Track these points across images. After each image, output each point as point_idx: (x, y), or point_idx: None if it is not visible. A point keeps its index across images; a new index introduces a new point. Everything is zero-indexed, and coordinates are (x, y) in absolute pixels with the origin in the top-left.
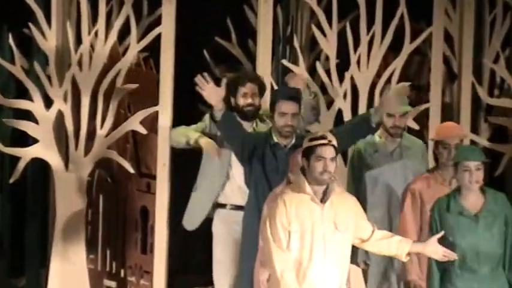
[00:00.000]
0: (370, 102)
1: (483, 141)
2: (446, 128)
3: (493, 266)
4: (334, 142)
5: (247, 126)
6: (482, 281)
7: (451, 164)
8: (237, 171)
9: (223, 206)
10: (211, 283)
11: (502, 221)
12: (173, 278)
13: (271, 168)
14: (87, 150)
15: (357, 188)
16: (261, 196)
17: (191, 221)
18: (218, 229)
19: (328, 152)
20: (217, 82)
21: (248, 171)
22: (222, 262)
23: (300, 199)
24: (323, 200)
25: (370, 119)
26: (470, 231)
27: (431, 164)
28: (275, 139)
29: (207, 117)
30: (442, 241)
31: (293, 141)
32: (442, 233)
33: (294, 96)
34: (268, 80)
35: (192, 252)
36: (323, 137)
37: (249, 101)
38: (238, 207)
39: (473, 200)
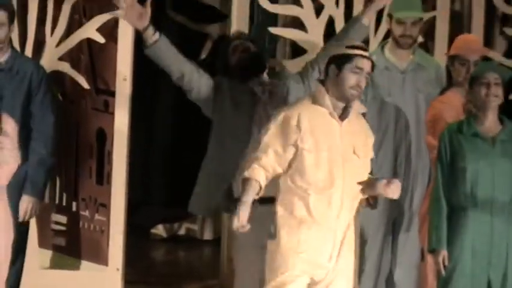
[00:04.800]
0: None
1: (498, 56)
2: (465, 41)
3: (510, 199)
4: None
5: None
6: (497, 213)
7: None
8: None
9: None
10: (176, 218)
11: None
12: (133, 213)
13: None
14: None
15: None
16: None
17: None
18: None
19: (367, 65)
20: None
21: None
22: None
23: (317, 112)
24: (342, 117)
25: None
26: (485, 154)
27: None
28: None
29: None
30: (453, 167)
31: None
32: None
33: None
34: None
35: (155, 183)
36: (364, 48)
37: None
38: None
39: (490, 124)
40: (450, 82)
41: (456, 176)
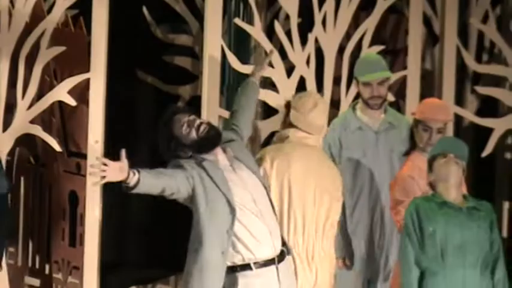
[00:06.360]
0: (337, 69)
1: (469, 115)
2: (432, 107)
3: (480, 264)
4: None
5: None
6: (468, 275)
7: (428, 151)
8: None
9: (245, 267)
10: (151, 280)
11: (487, 224)
12: (107, 275)
13: None
14: (6, 124)
15: None
16: None
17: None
18: None
19: None
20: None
21: None
22: None
23: None
24: None
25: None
26: (454, 218)
27: None
28: None
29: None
30: (421, 233)
31: None
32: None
33: None
34: (218, 42)
35: (129, 245)
36: None
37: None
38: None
39: (455, 196)
40: (413, 144)
41: (425, 242)
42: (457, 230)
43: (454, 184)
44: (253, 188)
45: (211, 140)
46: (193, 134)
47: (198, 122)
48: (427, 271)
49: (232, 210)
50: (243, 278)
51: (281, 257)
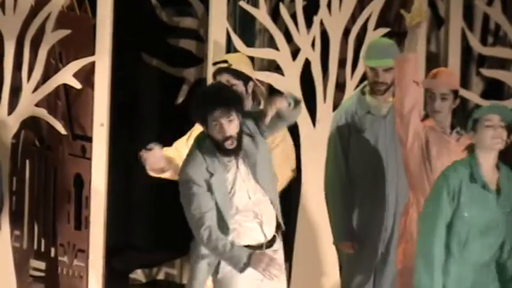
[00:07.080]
0: (342, 52)
1: (475, 97)
2: (435, 74)
3: (493, 255)
4: None
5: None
6: (482, 269)
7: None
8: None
9: None
10: (156, 263)
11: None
12: (112, 258)
13: None
14: (11, 107)
15: (345, 156)
16: None
17: None
18: None
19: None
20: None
21: None
22: None
23: None
24: None
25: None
26: (488, 210)
27: None
28: None
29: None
30: (457, 206)
31: None
32: None
33: None
34: (223, 26)
35: (134, 228)
36: None
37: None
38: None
39: (488, 169)
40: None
41: (454, 220)
42: (487, 222)
43: (493, 158)
44: (251, 180)
45: (228, 153)
46: (219, 136)
47: (227, 135)
48: (445, 247)
49: (227, 229)
50: None
51: (269, 243)
